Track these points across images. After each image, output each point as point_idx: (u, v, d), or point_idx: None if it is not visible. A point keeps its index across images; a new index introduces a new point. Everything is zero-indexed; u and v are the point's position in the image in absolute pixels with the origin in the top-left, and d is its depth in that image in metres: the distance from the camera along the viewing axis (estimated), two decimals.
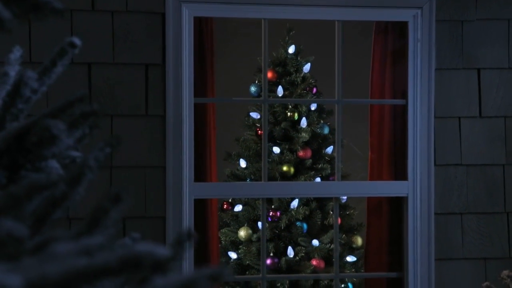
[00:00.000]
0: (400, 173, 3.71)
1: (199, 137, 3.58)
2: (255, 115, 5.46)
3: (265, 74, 3.68)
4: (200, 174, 3.60)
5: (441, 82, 3.64)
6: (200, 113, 3.60)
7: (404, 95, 3.67)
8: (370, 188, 3.76)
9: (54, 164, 1.20)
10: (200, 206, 3.63)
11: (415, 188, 3.61)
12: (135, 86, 3.40)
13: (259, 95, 5.35)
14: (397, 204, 3.72)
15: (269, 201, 5.32)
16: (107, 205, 0.77)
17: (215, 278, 0.52)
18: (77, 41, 1.22)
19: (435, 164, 3.62)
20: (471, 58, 3.66)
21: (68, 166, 1.20)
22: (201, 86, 3.61)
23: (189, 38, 3.43)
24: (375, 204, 3.88)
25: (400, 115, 3.72)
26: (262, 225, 3.66)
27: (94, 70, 3.37)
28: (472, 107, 3.67)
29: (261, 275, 3.72)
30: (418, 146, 3.60)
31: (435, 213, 3.62)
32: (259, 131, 5.35)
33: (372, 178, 3.83)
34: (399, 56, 3.71)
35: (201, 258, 3.63)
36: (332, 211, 5.24)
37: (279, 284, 5.15)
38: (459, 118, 3.66)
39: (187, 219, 3.41)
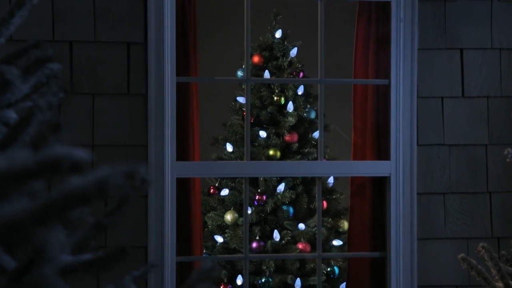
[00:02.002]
0: (383, 153, 3.71)
1: (182, 117, 3.58)
2: (242, 99, 5.46)
3: (248, 54, 3.68)
4: (183, 155, 3.60)
5: (424, 62, 3.64)
6: (183, 94, 3.60)
7: (387, 75, 3.67)
8: (353, 168, 3.77)
9: (11, 114, 1.20)
10: (184, 188, 3.62)
11: (398, 168, 3.61)
12: (116, 64, 3.39)
13: None
14: (380, 185, 3.72)
15: (256, 185, 5.33)
16: (46, 132, 0.77)
17: (130, 175, 0.52)
18: None
19: (417, 144, 3.63)
20: (454, 38, 3.66)
21: None
22: (185, 68, 3.60)
23: (171, 17, 3.42)
24: (358, 185, 3.88)
25: (383, 96, 3.72)
26: (245, 204, 3.66)
27: (75, 49, 3.36)
28: (455, 87, 3.67)
29: (244, 255, 3.72)
30: (401, 126, 3.61)
31: (418, 193, 3.62)
32: None
33: (355, 158, 3.83)
34: (382, 37, 3.71)
35: (184, 241, 3.63)
36: None
37: (265, 268, 5.15)
38: (442, 98, 3.66)
39: (169, 198, 3.41)
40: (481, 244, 2.34)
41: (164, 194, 3.40)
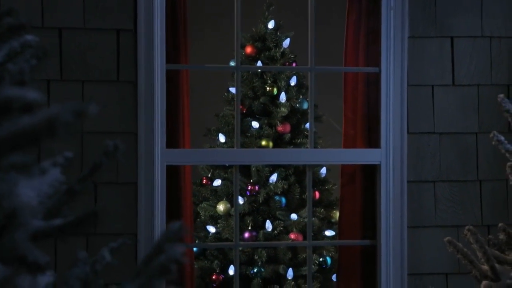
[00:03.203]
0: (373, 142, 3.71)
1: (173, 106, 3.57)
2: (234, 90, 5.46)
3: (239, 42, 3.68)
4: (174, 143, 3.59)
5: (414, 50, 3.64)
6: (174, 82, 3.59)
7: (377, 64, 3.67)
8: (343, 156, 3.76)
9: None
10: (174, 176, 3.62)
11: (388, 156, 3.61)
12: (106, 51, 3.39)
13: None
14: (371, 175, 3.72)
15: (248, 175, 5.33)
16: (12, 93, 0.77)
17: (79, 113, 0.52)
18: None
19: (408, 132, 3.63)
20: (444, 26, 3.67)
21: None
22: (176, 57, 3.60)
23: (161, 4, 3.42)
24: (349, 175, 3.88)
25: (373, 84, 3.72)
26: (235, 192, 3.66)
27: (65, 36, 3.36)
28: (445, 76, 3.68)
29: (234, 242, 3.73)
30: (391, 114, 3.61)
31: (408, 181, 3.62)
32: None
33: (346, 146, 3.84)
34: (373, 26, 3.71)
35: None
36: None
37: (257, 258, 5.16)
38: (432, 86, 3.67)
39: (159, 185, 3.41)
40: (467, 227, 2.35)
41: (154, 181, 3.40)
